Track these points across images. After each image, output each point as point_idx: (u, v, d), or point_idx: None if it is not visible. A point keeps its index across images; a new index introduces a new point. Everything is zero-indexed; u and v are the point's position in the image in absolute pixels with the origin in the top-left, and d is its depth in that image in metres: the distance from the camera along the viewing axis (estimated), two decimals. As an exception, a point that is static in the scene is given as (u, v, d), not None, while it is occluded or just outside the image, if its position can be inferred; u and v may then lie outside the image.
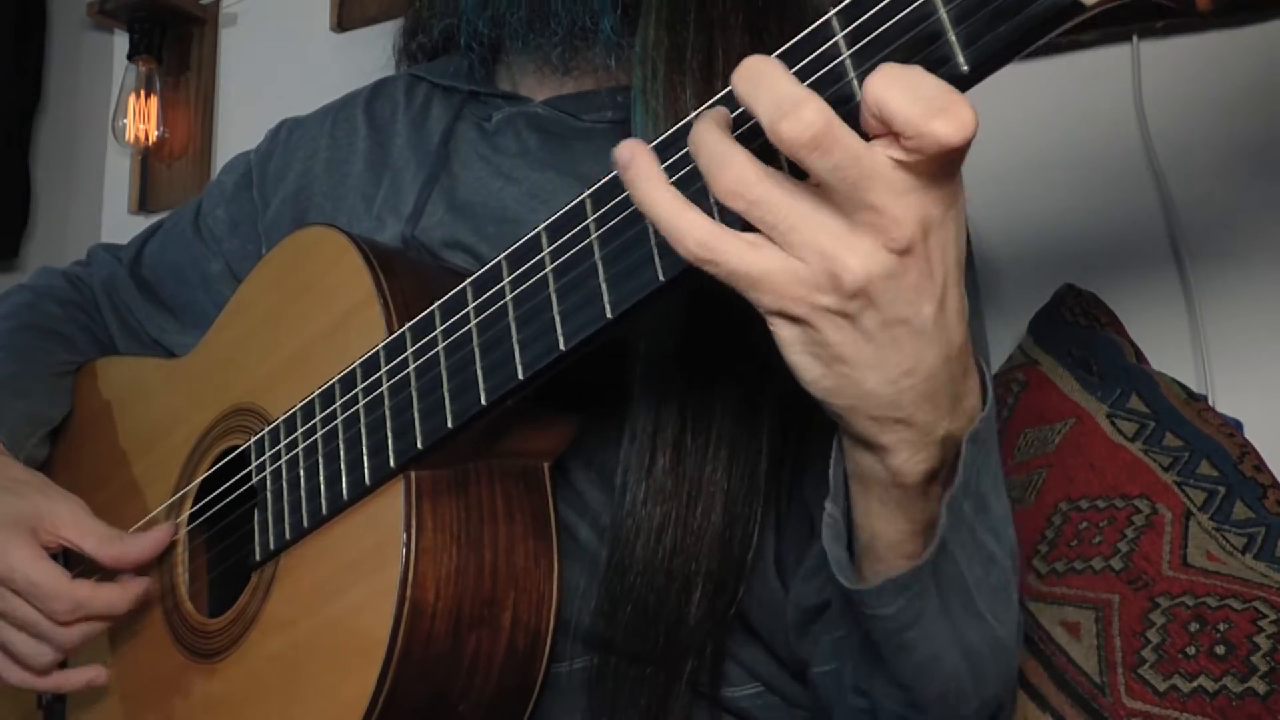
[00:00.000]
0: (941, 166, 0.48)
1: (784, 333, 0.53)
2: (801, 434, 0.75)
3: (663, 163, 0.55)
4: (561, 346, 0.62)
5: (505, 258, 0.67)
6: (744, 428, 0.72)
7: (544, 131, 0.87)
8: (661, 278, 0.58)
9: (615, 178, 0.60)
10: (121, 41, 2.03)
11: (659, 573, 0.71)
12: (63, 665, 0.87)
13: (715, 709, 0.77)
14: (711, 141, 0.52)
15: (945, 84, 0.47)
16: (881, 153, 0.48)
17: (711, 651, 0.74)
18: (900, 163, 0.48)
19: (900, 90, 0.47)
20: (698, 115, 0.54)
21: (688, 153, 0.53)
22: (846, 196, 0.49)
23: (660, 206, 0.53)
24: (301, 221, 0.94)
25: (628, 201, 0.59)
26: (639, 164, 0.54)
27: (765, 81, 0.49)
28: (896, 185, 0.49)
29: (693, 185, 0.54)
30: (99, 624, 0.84)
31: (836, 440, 0.60)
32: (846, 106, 0.51)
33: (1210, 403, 1.08)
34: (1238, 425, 1.01)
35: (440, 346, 0.69)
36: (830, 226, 0.50)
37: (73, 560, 0.86)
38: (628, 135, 0.78)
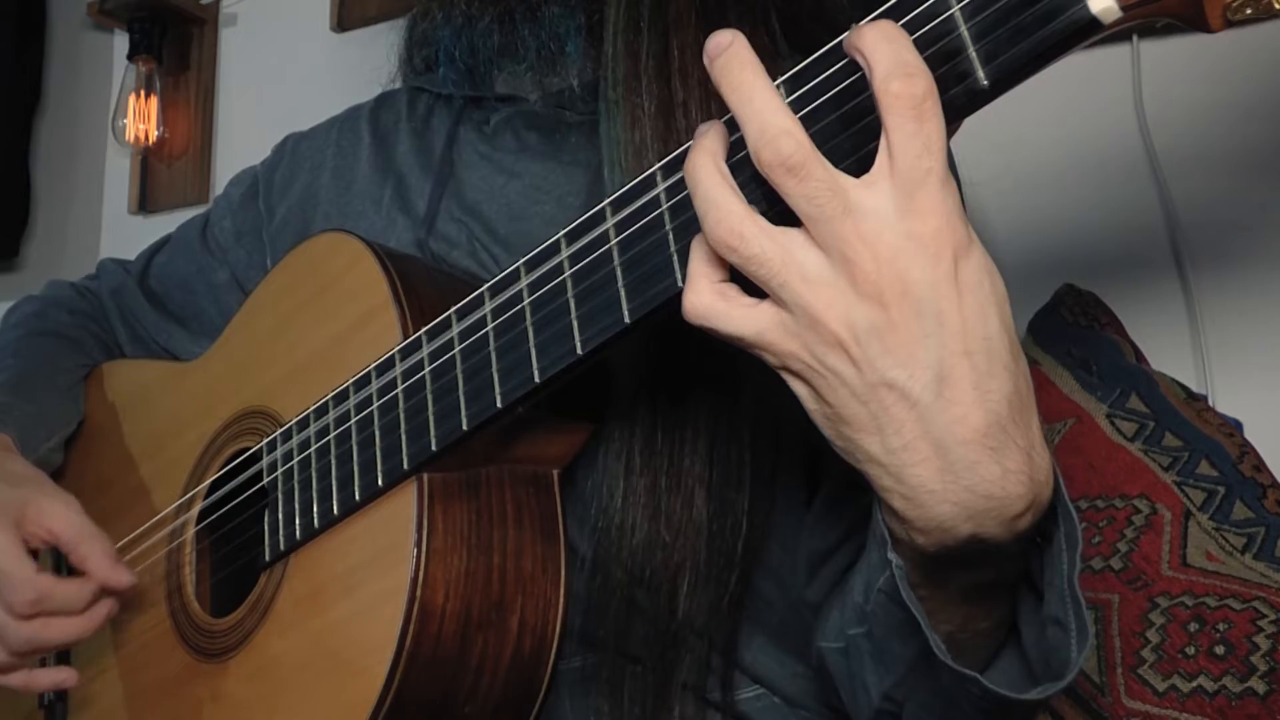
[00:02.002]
0: (912, 171, 0.47)
1: (795, 388, 0.53)
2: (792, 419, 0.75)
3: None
4: (579, 351, 0.62)
5: (524, 262, 0.67)
6: (723, 417, 0.73)
7: (541, 128, 0.88)
8: (681, 285, 0.58)
9: (635, 185, 0.61)
10: (121, 41, 2.03)
11: (641, 568, 0.72)
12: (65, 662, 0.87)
13: (717, 711, 0.77)
14: (708, 184, 0.52)
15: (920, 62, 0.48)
16: (858, 188, 0.48)
17: (715, 650, 0.75)
18: (878, 185, 0.48)
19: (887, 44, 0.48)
20: (697, 137, 0.54)
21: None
22: (824, 233, 0.49)
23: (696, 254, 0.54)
24: (308, 229, 0.95)
25: (649, 207, 0.60)
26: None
27: (755, 101, 0.50)
28: (868, 220, 0.48)
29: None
30: (57, 629, 0.82)
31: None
32: (862, 123, 0.51)
33: (1210, 403, 1.08)
34: (1238, 425, 1.02)
35: (457, 349, 0.70)
36: (812, 274, 0.49)
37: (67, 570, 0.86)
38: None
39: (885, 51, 0.48)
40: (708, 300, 0.52)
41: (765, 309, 0.51)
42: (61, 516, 0.83)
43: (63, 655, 0.93)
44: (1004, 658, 0.63)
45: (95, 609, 0.84)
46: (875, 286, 0.48)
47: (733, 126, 0.54)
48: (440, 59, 0.89)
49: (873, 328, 0.48)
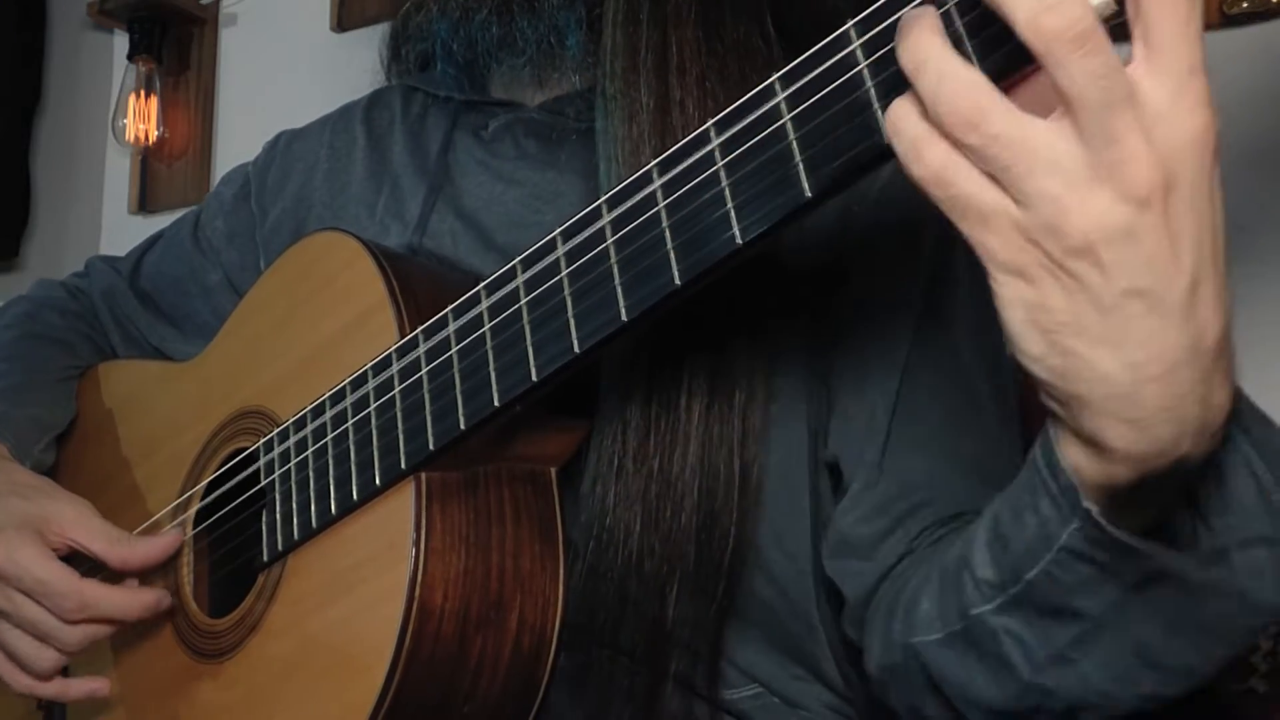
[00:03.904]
0: (1182, 61, 0.43)
1: (1006, 291, 0.47)
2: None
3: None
4: (576, 350, 0.62)
5: (520, 260, 0.67)
6: (715, 424, 0.72)
7: (541, 135, 0.88)
8: (678, 282, 0.58)
9: (631, 182, 0.61)
10: (121, 41, 2.03)
11: (631, 575, 0.71)
12: (65, 674, 0.87)
13: (716, 711, 0.77)
14: (937, 57, 0.45)
15: None
16: (1134, 70, 0.43)
17: (706, 650, 0.74)
18: (1142, 71, 0.43)
19: None
20: (906, 14, 0.47)
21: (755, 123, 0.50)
22: (1097, 121, 0.43)
23: (904, 119, 0.47)
24: (301, 231, 0.94)
25: (644, 205, 0.60)
26: (925, 47, 0.46)
27: None
28: (1146, 109, 0.43)
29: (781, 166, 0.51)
30: (103, 628, 0.83)
31: (1051, 434, 0.53)
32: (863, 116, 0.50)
33: (1210, 403, 1.08)
34: (1238, 425, 1.01)
35: (454, 349, 0.69)
36: (1067, 169, 0.44)
37: (78, 564, 0.86)
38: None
39: None
40: (943, 154, 0.46)
41: (1000, 195, 0.45)
42: (83, 526, 0.84)
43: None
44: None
45: (139, 595, 0.85)
46: (1143, 185, 0.43)
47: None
48: (437, 53, 0.88)
49: (1130, 230, 0.44)
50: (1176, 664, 0.58)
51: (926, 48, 0.45)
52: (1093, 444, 0.49)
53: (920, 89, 0.46)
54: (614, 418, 0.73)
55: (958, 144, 0.45)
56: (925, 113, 0.46)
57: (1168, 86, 0.43)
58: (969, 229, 0.47)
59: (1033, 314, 0.46)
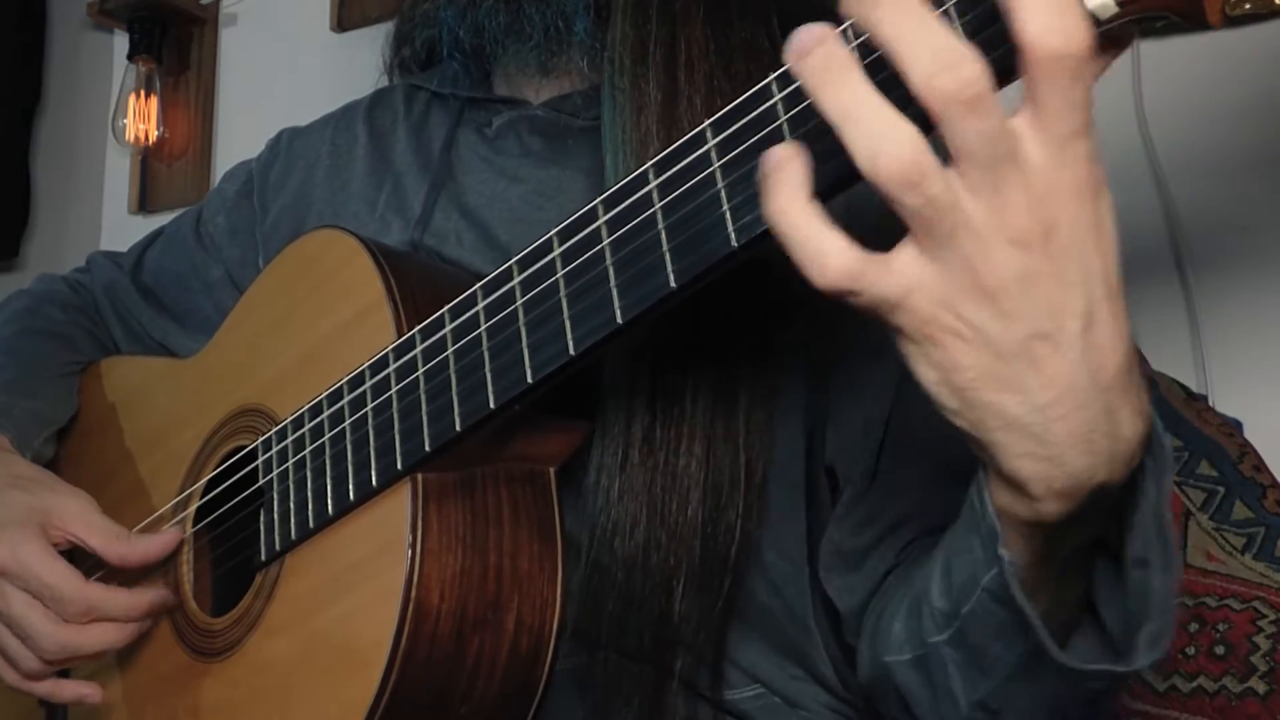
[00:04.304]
0: (1064, 126, 0.44)
1: (918, 360, 0.49)
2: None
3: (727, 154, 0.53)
4: (571, 351, 0.62)
5: (516, 261, 0.67)
6: (720, 420, 0.72)
7: (545, 133, 0.88)
8: (673, 284, 0.57)
9: (627, 183, 0.60)
10: (121, 41, 2.03)
11: (637, 570, 0.71)
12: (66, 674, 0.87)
13: (718, 711, 0.77)
14: (873, 109, 0.45)
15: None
16: (1018, 125, 0.45)
17: (709, 649, 0.74)
18: (1025, 127, 0.45)
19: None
20: (820, 69, 0.47)
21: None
22: (986, 175, 0.45)
23: (796, 222, 0.47)
24: (301, 228, 0.94)
25: (640, 206, 0.59)
26: (785, 171, 0.48)
27: (924, 27, 0.44)
28: (1026, 163, 0.45)
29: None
30: (85, 643, 0.82)
31: (981, 478, 0.56)
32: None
33: (1210, 403, 1.08)
34: (1238, 425, 1.02)
35: (450, 349, 0.69)
36: (976, 221, 0.45)
37: (78, 558, 0.86)
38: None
39: (917, 44, 0.44)
40: (851, 260, 0.47)
41: (912, 265, 0.47)
42: (84, 521, 0.83)
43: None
44: (1078, 636, 0.62)
45: (143, 596, 0.84)
46: (1026, 232, 0.45)
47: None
48: (443, 39, 0.88)
49: (1024, 276, 0.46)
50: (1100, 709, 0.60)
51: (855, 94, 0.46)
52: (1014, 484, 0.51)
53: (852, 141, 0.46)
54: (619, 413, 0.73)
55: (889, 199, 0.46)
56: (813, 209, 0.47)
57: (1049, 148, 0.45)
58: (881, 318, 0.48)
59: (946, 375, 0.48)
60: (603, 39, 0.82)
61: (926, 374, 0.49)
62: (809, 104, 0.52)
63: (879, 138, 0.45)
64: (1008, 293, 0.46)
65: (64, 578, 0.81)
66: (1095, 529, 0.56)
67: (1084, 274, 0.46)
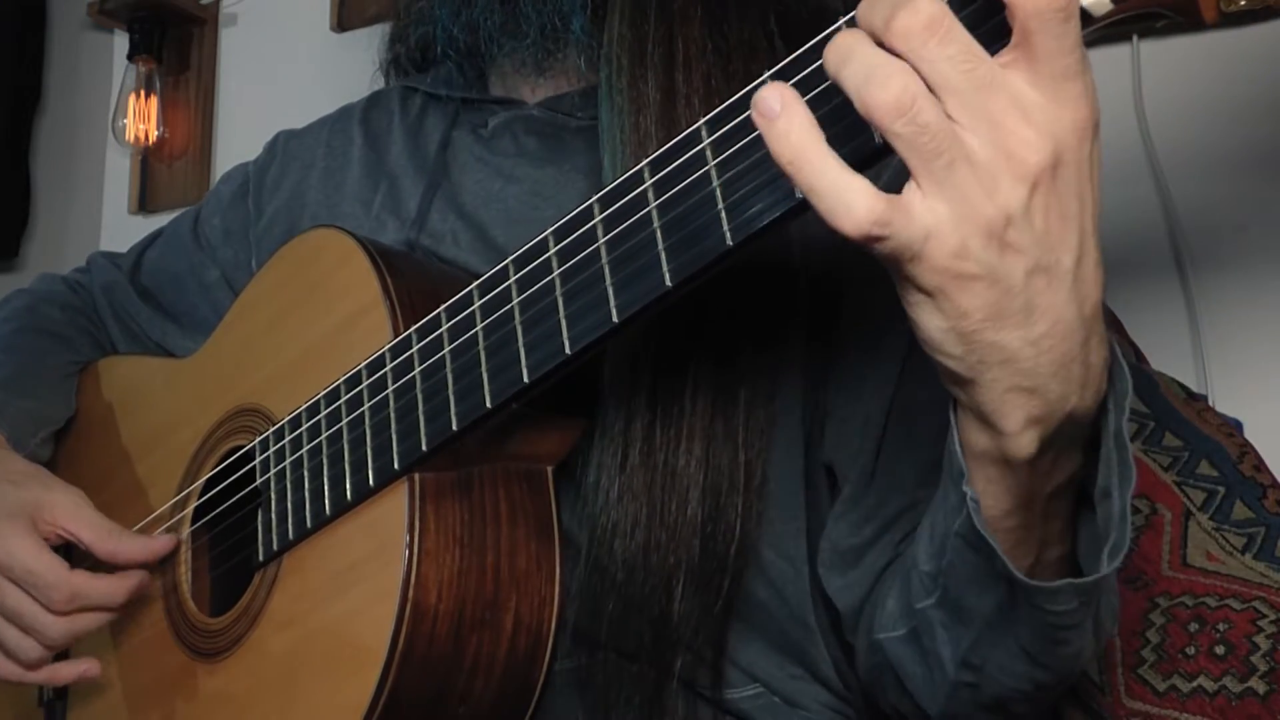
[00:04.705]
0: (1057, 66, 0.46)
1: (926, 313, 0.50)
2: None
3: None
4: (567, 350, 0.62)
5: (512, 260, 0.67)
6: (720, 418, 0.72)
7: (541, 133, 0.88)
8: (669, 282, 0.57)
9: (622, 182, 0.60)
10: (121, 41, 2.03)
11: (637, 569, 0.71)
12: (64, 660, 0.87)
13: (718, 711, 0.77)
14: (866, 52, 0.47)
15: None
16: (999, 61, 0.47)
17: (709, 648, 0.74)
18: (1016, 69, 0.46)
19: None
20: (836, 30, 0.49)
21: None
22: (976, 106, 0.46)
23: (824, 171, 0.47)
24: (294, 229, 0.94)
25: (636, 205, 0.59)
26: (794, 115, 0.48)
27: None
28: (1022, 97, 0.46)
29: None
30: (88, 623, 0.83)
31: (952, 419, 0.58)
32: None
33: (1210, 403, 1.08)
34: (1238, 425, 1.01)
35: (446, 349, 0.69)
36: (976, 155, 0.46)
37: (73, 555, 0.86)
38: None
39: None
40: (879, 203, 0.47)
41: (931, 204, 0.47)
42: (75, 515, 0.84)
43: (61, 654, 0.93)
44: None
45: (125, 581, 0.84)
46: (1034, 166, 0.47)
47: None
48: (438, 38, 0.87)
49: (1029, 210, 0.47)
50: (1062, 656, 0.62)
51: (855, 45, 0.47)
52: (991, 419, 0.53)
53: (847, 77, 0.47)
54: (619, 412, 0.73)
55: (885, 131, 0.47)
56: (830, 150, 0.48)
57: (1044, 87, 0.46)
58: (899, 268, 0.49)
59: (955, 322, 0.49)
60: (599, 37, 0.81)
61: (933, 323, 0.50)
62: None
63: (869, 67, 0.46)
64: (1014, 226, 0.47)
65: (49, 567, 0.81)
66: (1065, 471, 0.58)
67: (1080, 210, 0.48)
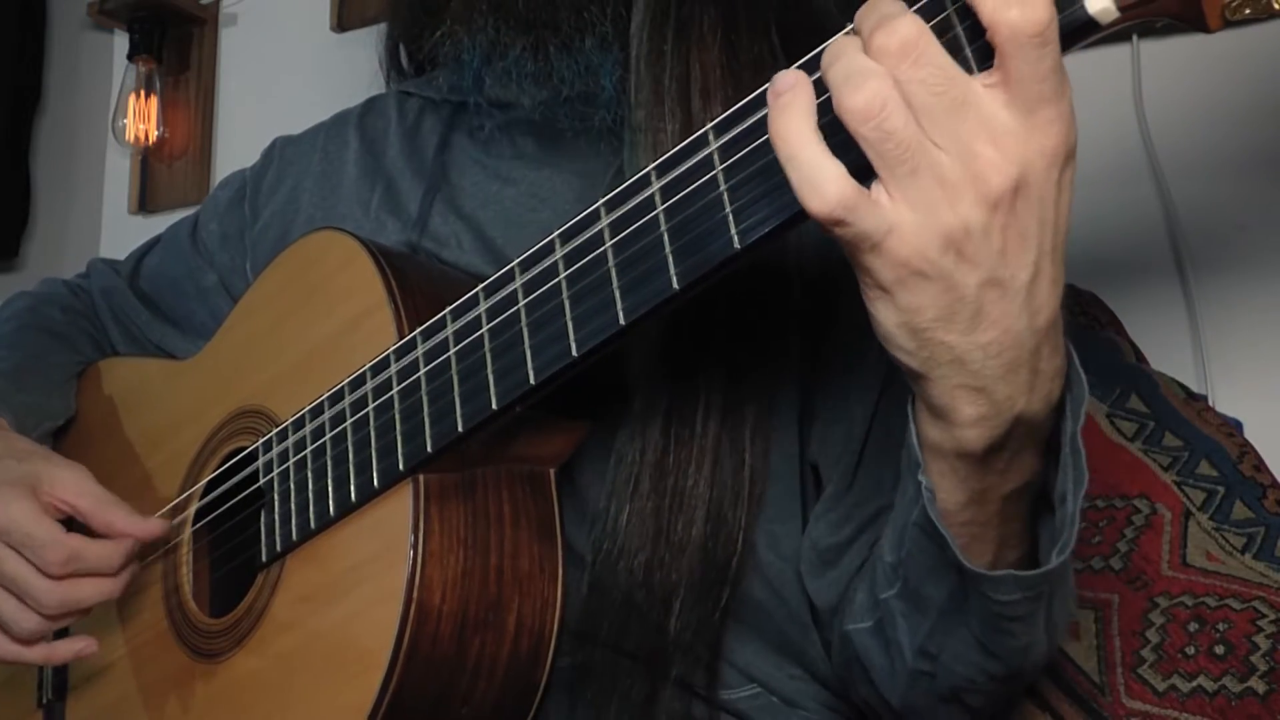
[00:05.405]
0: (1031, 91, 0.48)
1: (883, 305, 0.52)
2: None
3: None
4: (574, 353, 0.62)
5: (518, 263, 0.67)
6: (727, 437, 0.73)
7: (538, 135, 0.88)
8: (675, 286, 0.58)
9: (630, 185, 0.60)
10: (121, 41, 2.03)
11: (638, 588, 0.72)
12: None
13: (712, 710, 0.77)
14: (850, 55, 0.50)
15: None
16: (976, 81, 0.49)
17: (705, 653, 0.75)
18: (995, 91, 0.48)
19: None
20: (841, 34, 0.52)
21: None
22: (946, 127, 0.48)
23: (804, 146, 0.50)
24: (288, 233, 0.95)
25: (644, 208, 0.60)
26: (799, 93, 0.51)
27: (875, 6, 0.50)
28: (993, 119, 0.48)
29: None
30: (84, 588, 0.81)
31: (910, 412, 0.60)
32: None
33: (1210, 403, 1.08)
34: (1238, 425, 1.02)
35: (452, 350, 0.70)
36: (941, 170, 0.49)
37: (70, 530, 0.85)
38: (621, 135, 0.79)
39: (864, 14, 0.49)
40: (851, 187, 0.50)
41: (896, 204, 0.50)
42: (75, 486, 0.83)
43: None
44: None
45: (124, 569, 0.83)
46: (996, 190, 0.49)
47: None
48: (465, 79, 0.86)
49: (987, 228, 0.49)
50: (1011, 648, 0.64)
51: (844, 46, 0.50)
52: (942, 413, 0.56)
53: (830, 76, 0.50)
54: (636, 436, 0.74)
55: (854, 133, 0.49)
56: (818, 134, 0.50)
57: (1017, 111, 0.48)
58: (858, 257, 0.52)
59: (908, 317, 0.52)
60: (628, 90, 0.80)
61: (889, 316, 0.53)
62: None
63: (849, 69, 0.49)
64: (972, 240, 0.49)
65: (47, 529, 0.80)
66: (1022, 474, 0.60)
67: (1040, 231, 0.51)
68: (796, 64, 0.55)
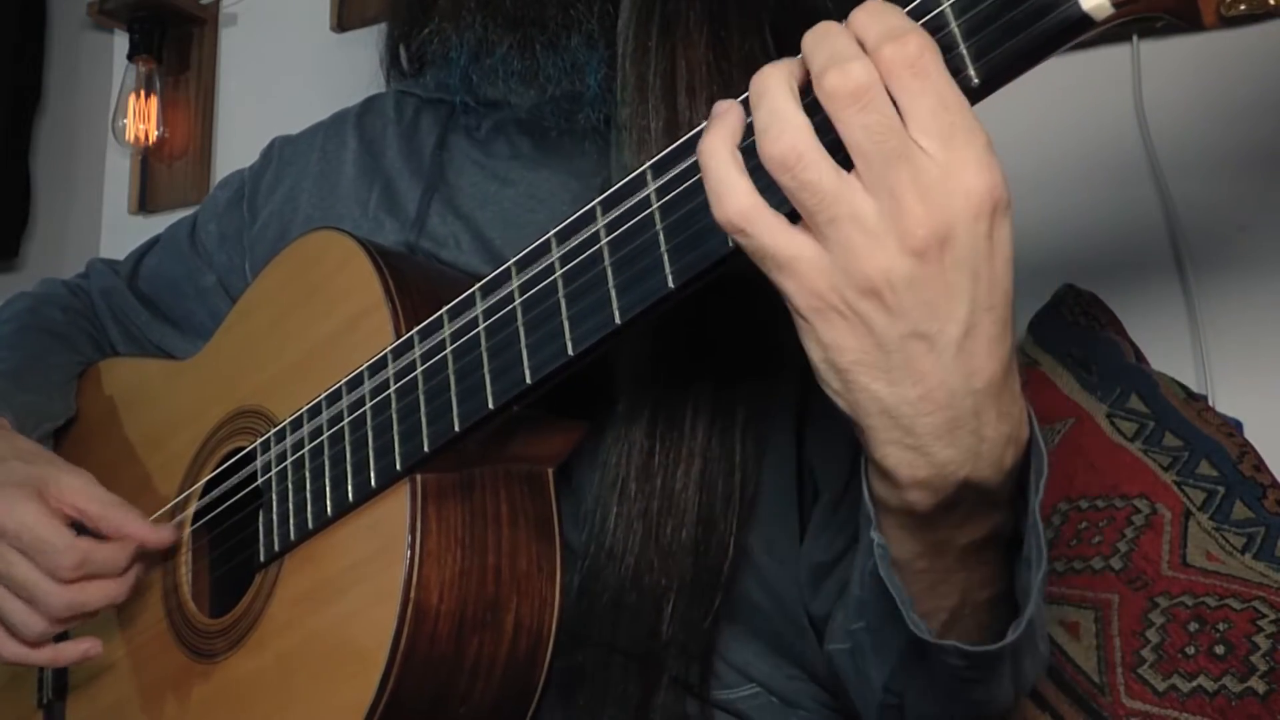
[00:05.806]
0: (932, 126, 0.48)
1: (806, 332, 0.52)
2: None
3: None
4: (570, 352, 0.62)
5: (514, 262, 0.67)
6: (717, 439, 0.73)
7: (534, 134, 0.88)
8: (671, 285, 0.58)
9: (626, 184, 0.60)
10: (121, 41, 2.03)
11: (629, 590, 0.72)
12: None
13: (705, 706, 0.77)
14: (776, 96, 0.50)
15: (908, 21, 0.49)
16: (912, 134, 0.48)
17: (698, 654, 0.75)
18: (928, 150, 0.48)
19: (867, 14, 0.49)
20: (756, 77, 0.52)
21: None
22: (879, 174, 0.48)
23: (717, 158, 0.51)
24: (286, 233, 0.95)
25: (639, 207, 0.60)
26: (727, 118, 0.52)
27: (828, 38, 0.50)
28: (924, 173, 0.48)
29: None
30: (92, 592, 0.82)
31: (863, 466, 0.59)
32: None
33: (1210, 403, 1.08)
34: (1238, 425, 1.01)
35: (449, 350, 0.70)
36: (863, 217, 0.49)
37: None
38: (608, 135, 0.79)
39: (870, 24, 0.49)
40: (750, 202, 0.51)
41: (806, 238, 0.50)
42: (82, 491, 0.83)
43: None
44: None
45: (129, 571, 0.84)
46: (920, 241, 0.48)
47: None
48: (453, 76, 0.87)
49: (911, 279, 0.49)
50: (974, 702, 0.64)
51: (769, 84, 0.51)
52: (883, 471, 0.55)
53: (755, 118, 0.50)
54: (620, 439, 0.73)
55: (775, 178, 0.50)
56: (733, 153, 0.52)
57: (935, 148, 0.48)
58: (770, 274, 0.52)
59: (828, 353, 0.52)
60: (613, 88, 0.81)
61: (813, 350, 0.52)
62: (807, 103, 0.52)
63: (770, 116, 0.50)
64: (894, 291, 0.49)
65: (59, 533, 0.81)
66: (981, 529, 0.58)
67: (972, 286, 0.49)
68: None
